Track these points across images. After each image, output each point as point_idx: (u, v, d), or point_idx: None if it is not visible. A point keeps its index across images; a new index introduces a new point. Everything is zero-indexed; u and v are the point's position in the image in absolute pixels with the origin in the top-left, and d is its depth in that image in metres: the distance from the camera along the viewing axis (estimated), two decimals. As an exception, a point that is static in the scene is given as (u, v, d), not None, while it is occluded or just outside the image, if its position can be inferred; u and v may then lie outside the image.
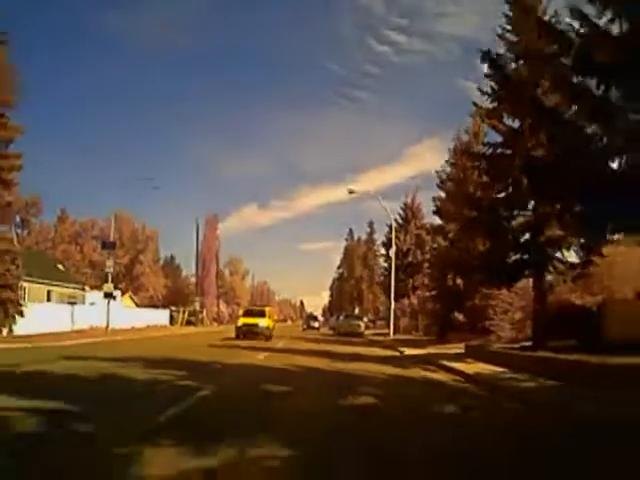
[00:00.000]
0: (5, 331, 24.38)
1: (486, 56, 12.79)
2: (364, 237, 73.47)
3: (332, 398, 7.66)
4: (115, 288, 34.04)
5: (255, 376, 10.57)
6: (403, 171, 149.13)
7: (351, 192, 34.37)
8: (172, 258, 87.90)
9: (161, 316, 48.50)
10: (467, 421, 6.60)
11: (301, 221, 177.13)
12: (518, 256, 14.44)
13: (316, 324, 54.98)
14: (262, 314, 28.32)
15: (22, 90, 24.72)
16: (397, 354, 18.82)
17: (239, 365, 12.69)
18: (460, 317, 22.00)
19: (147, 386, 8.38)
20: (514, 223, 14.08)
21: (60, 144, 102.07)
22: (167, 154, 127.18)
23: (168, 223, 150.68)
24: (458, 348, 17.37)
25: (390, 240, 36.39)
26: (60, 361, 12.00)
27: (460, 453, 4.64)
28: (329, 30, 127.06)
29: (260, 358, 14.66)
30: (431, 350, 18.96)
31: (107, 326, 29.94)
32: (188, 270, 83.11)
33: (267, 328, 26.88)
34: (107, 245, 31.60)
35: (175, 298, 69.29)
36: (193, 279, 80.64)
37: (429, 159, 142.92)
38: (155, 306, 57.75)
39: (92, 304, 35.46)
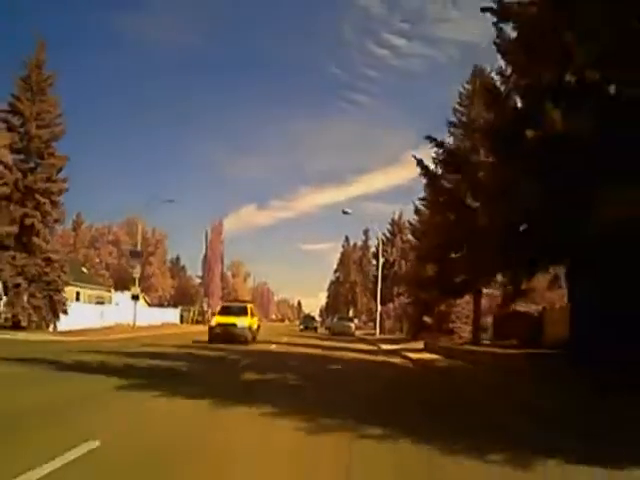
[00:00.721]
0: (51, 327, 29.56)
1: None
2: (360, 242, 78.76)
3: (321, 367, 13.00)
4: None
5: (272, 355, 15.92)
6: (403, 173, 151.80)
7: (345, 213, 39.58)
8: (177, 259, 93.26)
9: (172, 315, 53.72)
10: (391, 377, 11.87)
11: (301, 222, 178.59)
12: (461, 278, 19.64)
13: (314, 325, 51.78)
14: (243, 311, 23.45)
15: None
16: (375, 348, 24.12)
17: (258, 350, 18.08)
18: (429, 320, 27.28)
19: (217, 357, 13.75)
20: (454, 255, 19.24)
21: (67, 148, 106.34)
22: (168, 153, 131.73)
23: (168, 222, 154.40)
24: (422, 345, 22.64)
25: (380, 251, 41.65)
26: (141, 347, 17.12)
27: (377, 380, 9.92)
28: (331, 33, 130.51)
29: (273, 348, 20.01)
30: (402, 346, 24.23)
31: (134, 324, 35.20)
32: (192, 270, 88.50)
33: (249, 329, 22.30)
34: (135, 254, 36.93)
35: (181, 298, 74.53)
36: (197, 280, 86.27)
37: (429, 162, 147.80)
38: (163, 305, 62.98)
39: (117, 304, 40.71)
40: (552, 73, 9.55)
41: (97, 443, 4.30)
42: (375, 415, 6.43)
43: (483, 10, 11.06)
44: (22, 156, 28.51)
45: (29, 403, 6.36)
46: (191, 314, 55.67)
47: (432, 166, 18.16)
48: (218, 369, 11.77)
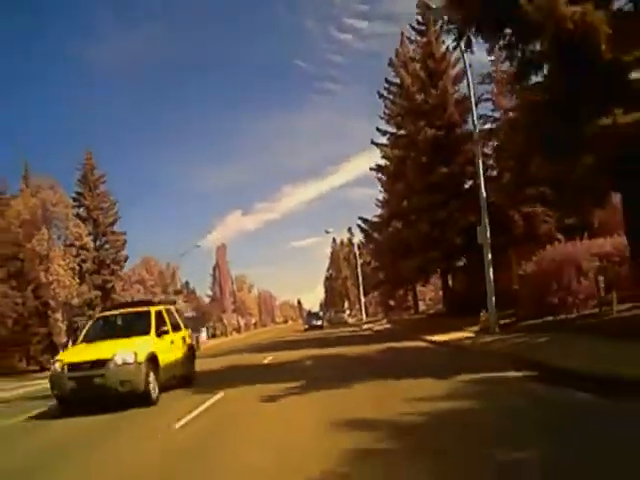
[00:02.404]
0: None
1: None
2: (346, 239, 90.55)
3: (320, 338, 25.31)
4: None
5: (295, 339, 28.16)
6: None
7: (327, 232, 51.81)
8: (187, 283, 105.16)
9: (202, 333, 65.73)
10: (357, 337, 24.10)
11: (288, 220, 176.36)
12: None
13: (319, 322, 47.92)
14: (136, 327, 10.36)
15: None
16: (358, 328, 36.46)
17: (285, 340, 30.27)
18: (393, 303, 39.77)
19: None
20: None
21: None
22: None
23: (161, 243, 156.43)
24: (386, 320, 35.09)
25: (360, 251, 53.73)
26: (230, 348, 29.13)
27: (351, 339, 22.16)
28: (293, 26, 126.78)
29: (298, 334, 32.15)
30: (374, 324, 36.55)
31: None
32: (201, 290, 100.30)
33: (146, 368, 9.12)
34: (176, 292, 48.93)
35: (199, 317, 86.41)
36: (206, 298, 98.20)
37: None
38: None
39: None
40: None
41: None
42: (346, 344, 18.58)
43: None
44: (92, 237, 40.18)
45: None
46: (216, 331, 67.77)
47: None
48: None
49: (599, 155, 9.35)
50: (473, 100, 15.98)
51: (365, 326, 36.89)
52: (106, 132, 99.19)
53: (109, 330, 10.65)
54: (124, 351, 9.03)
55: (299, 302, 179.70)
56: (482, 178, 14.54)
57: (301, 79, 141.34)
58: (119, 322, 11.10)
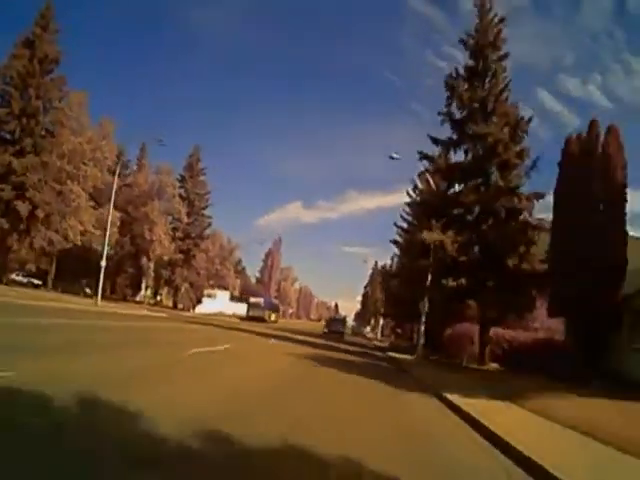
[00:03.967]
0: (192, 310, 52.64)
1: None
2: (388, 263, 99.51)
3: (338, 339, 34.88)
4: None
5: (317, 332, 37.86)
6: None
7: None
8: (240, 261, 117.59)
9: (243, 307, 76.92)
10: (360, 344, 33.38)
11: (345, 223, 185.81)
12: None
13: (341, 329, 46.46)
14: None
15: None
16: (369, 340, 45.61)
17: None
18: (400, 331, 48.47)
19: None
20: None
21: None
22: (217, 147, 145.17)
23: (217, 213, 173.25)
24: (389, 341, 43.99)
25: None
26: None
27: (355, 344, 31.56)
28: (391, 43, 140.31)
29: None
30: (380, 341, 45.51)
31: (233, 313, 58.21)
32: (250, 270, 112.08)
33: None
34: (236, 271, 59.95)
35: (244, 294, 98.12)
36: (253, 278, 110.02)
37: None
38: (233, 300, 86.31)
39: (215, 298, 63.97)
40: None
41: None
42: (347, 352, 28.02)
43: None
44: (186, 213, 51.59)
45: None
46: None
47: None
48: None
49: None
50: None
51: (373, 339, 46.12)
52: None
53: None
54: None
55: (336, 305, 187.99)
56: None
57: (391, 94, 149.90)
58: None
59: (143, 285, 54.34)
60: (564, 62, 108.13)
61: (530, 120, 20.28)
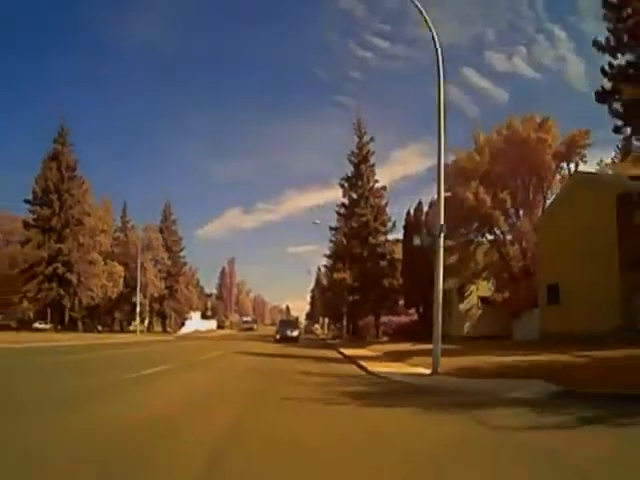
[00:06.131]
0: (176, 332, 66.96)
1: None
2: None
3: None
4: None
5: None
6: (389, 174, 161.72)
7: (315, 223, 77.16)
8: (198, 282, 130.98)
9: (213, 324, 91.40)
10: (309, 338, 49.70)
11: (286, 224, 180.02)
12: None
13: (295, 333, 40.66)
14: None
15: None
16: (316, 336, 62.11)
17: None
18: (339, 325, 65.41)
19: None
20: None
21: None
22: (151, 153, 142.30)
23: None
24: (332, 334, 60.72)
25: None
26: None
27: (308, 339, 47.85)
28: (316, 37, 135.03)
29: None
30: (324, 335, 62.11)
31: (208, 330, 72.90)
32: (207, 288, 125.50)
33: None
34: (209, 295, 74.58)
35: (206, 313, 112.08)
36: (212, 298, 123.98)
37: (414, 162, 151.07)
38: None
39: (191, 319, 78.41)
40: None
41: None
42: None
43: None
44: (168, 257, 66.01)
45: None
46: (227, 324, 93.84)
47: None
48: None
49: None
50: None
51: (321, 335, 62.74)
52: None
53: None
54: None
55: (287, 308, 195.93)
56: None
57: (316, 88, 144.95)
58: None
59: (137, 317, 67.94)
60: (487, 38, 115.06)
61: (385, 188, 38.45)
